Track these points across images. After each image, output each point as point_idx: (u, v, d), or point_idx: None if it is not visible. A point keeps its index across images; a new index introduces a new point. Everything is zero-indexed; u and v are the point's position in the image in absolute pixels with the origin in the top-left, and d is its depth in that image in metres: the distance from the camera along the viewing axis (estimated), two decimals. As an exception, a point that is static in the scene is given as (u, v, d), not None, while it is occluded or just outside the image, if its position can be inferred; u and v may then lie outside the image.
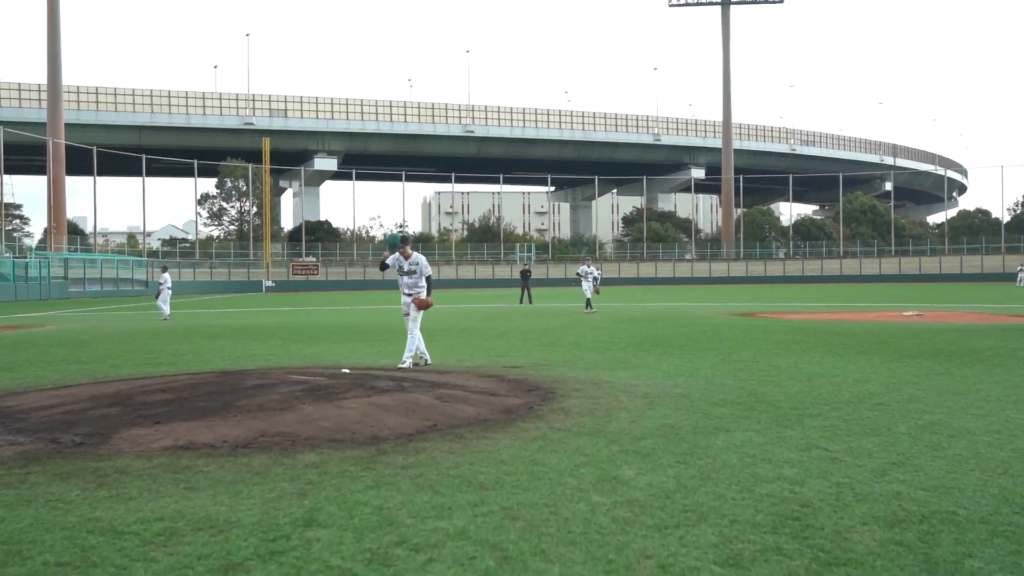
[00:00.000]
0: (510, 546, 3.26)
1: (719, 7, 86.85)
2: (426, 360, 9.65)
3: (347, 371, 8.46)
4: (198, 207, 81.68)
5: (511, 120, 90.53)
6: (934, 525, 3.47)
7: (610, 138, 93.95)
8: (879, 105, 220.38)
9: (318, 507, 3.80)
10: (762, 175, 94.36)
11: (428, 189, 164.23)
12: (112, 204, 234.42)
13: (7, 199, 78.00)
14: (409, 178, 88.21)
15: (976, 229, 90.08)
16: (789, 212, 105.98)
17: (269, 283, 66.88)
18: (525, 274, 31.28)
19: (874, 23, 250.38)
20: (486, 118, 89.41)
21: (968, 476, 4.26)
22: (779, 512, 3.66)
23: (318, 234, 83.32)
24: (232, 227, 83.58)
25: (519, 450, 4.96)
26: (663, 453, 4.83)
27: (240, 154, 78.44)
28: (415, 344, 9.44)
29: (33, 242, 71.03)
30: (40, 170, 67.18)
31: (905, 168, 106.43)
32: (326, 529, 3.48)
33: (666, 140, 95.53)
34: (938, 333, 13.42)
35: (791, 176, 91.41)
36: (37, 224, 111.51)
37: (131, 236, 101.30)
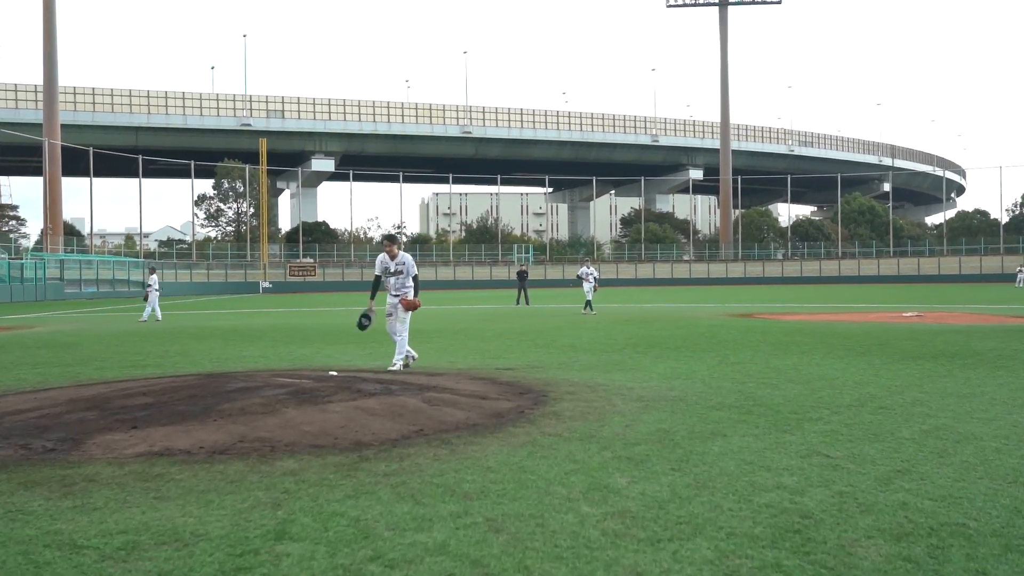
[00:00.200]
0: (492, 561, 3.06)
1: (717, 8, 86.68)
2: (413, 357, 9.47)
3: (334, 373, 8.25)
4: (195, 208, 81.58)
5: (509, 121, 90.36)
6: (943, 538, 3.26)
7: (608, 139, 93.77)
8: (877, 106, 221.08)
9: (291, 518, 3.60)
10: (760, 176, 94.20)
11: (426, 190, 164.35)
12: (110, 205, 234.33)
13: (4, 200, 78.07)
14: (407, 179, 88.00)
15: (975, 230, 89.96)
16: (787, 213, 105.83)
17: (266, 284, 66.70)
18: (522, 275, 31.14)
19: (872, 24, 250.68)
20: (484, 119, 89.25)
21: (977, 485, 4.05)
22: (779, 524, 3.46)
23: (315, 235, 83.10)
24: (229, 228, 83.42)
25: (507, 456, 4.76)
26: (657, 460, 4.63)
27: (237, 155, 78.20)
28: (405, 346, 9.30)
29: (29, 243, 70.87)
30: (37, 171, 66.87)
31: (903, 169, 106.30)
32: (298, 543, 3.28)
33: (664, 141, 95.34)
34: (938, 334, 13.24)
35: (789, 177, 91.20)
36: (34, 225, 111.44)
37: (128, 237, 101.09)
